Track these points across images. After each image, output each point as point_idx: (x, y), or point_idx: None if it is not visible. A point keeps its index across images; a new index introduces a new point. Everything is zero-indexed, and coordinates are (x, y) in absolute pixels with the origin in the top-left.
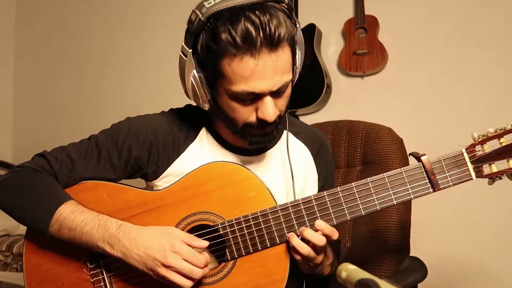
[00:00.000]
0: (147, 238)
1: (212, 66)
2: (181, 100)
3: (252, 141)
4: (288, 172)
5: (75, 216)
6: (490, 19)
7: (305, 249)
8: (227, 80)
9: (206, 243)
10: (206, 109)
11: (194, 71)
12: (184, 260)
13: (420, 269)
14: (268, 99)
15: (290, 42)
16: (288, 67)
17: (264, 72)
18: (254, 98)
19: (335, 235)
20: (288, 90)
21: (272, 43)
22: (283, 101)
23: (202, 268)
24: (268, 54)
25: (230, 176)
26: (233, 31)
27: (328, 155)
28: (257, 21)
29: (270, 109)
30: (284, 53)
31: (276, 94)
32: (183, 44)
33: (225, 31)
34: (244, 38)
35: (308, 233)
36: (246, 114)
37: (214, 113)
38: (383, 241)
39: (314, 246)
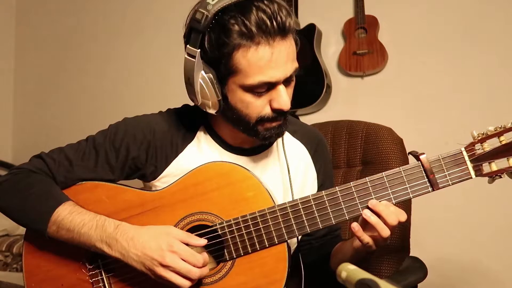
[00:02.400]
0: (145, 238)
1: (224, 62)
2: (180, 100)
3: (266, 136)
4: (286, 171)
5: (73, 217)
6: (490, 19)
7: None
8: (242, 73)
9: (204, 241)
10: (213, 112)
11: (203, 71)
12: (182, 259)
13: (420, 269)
14: (282, 87)
15: (293, 31)
16: (295, 54)
17: (279, 60)
18: (268, 88)
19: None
20: (294, 79)
21: (284, 31)
22: (290, 90)
23: (200, 267)
24: (282, 42)
25: (228, 176)
26: (247, 22)
27: (326, 154)
28: (269, 10)
29: (285, 97)
30: (292, 40)
31: (287, 82)
32: (188, 45)
33: (238, 23)
34: (259, 27)
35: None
36: (260, 107)
37: (223, 114)
38: None
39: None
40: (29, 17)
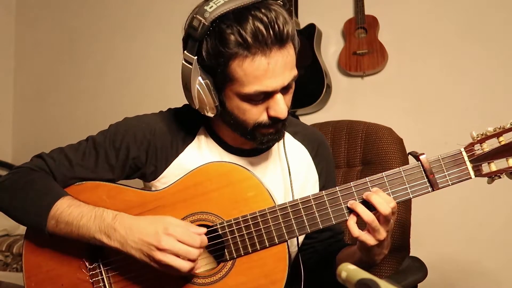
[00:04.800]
0: (142, 225)
1: (221, 70)
2: (180, 100)
3: (263, 141)
4: (286, 172)
5: (72, 210)
6: (490, 19)
7: (369, 215)
8: (238, 82)
9: (203, 230)
10: (212, 116)
11: (200, 78)
12: (179, 241)
13: (420, 269)
14: (279, 96)
15: (293, 38)
16: (294, 62)
17: (276, 70)
18: (264, 97)
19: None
20: (293, 86)
21: (282, 40)
22: (289, 97)
23: (198, 248)
24: (279, 51)
25: (228, 176)
26: (243, 31)
27: (328, 155)
28: (265, 19)
29: (282, 106)
30: (291, 49)
31: (285, 90)
32: (185, 52)
33: (233, 33)
34: (255, 37)
35: (375, 198)
36: (257, 114)
37: (221, 118)
38: None
39: (378, 216)
40: (29, 17)
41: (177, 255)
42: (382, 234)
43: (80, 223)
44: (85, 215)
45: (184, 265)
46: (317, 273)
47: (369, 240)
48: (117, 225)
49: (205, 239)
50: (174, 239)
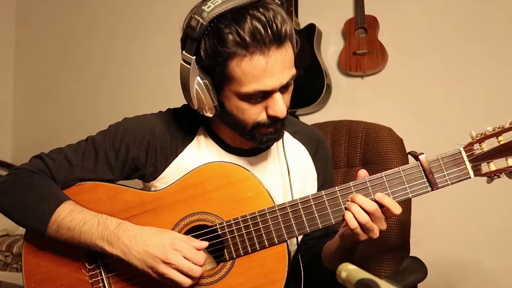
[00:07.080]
0: (148, 235)
1: (219, 70)
2: (180, 101)
3: (263, 141)
4: (285, 172)
5: (74, 216)
6: (490, 19)
7: (364, 217)
8: (236, 82)
9: (205, 244)
10: (211, 116)
11: (198, 78)
12: (184, 257)
13: (420, 269)
14: (278, 95)
15: (291, 37)
16: (292, 61)
17: (274, 69)
18: (263, 96)
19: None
20: (292, 85)
21: (280, 39)
22: (288, 96)
23: (201, 266)
24: (277, 50)
25: (228, 176)
26: (241, 31)
27: (326, 155)
28: (263, 18)
29: (281, 105)
30: (289, 48)
31: (284, 89)
32: (184, 52)
33: (232, 32)
34: (253, 36)
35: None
36: (256, 113)
37: (220, 118)
38: (383, 241)
39: (373, 216)
40: (29, 17)
41: (181, 271)
42: (376, 233)
43: (82, 229)
44: (87, 221)
45: (186, 281)
46: (308, 268)
47: (362, 235)
48: (120, 234)
49: (205, 256)
50: (180, 255)
